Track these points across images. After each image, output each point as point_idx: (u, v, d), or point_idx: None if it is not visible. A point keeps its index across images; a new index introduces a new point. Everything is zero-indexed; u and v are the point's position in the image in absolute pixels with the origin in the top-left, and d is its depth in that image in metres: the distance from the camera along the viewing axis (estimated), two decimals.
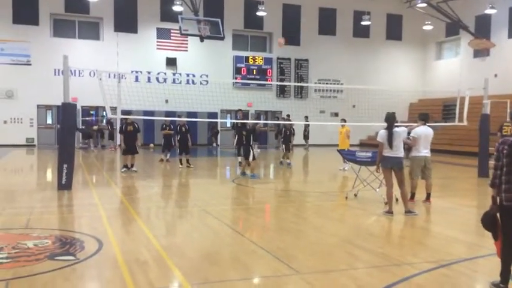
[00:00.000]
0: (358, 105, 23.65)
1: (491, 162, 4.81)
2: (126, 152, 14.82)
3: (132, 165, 14.88)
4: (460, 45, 31.23)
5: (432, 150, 9.86)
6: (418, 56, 34.02)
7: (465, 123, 14.82)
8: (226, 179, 13.39)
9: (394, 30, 33.13)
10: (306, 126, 27.20)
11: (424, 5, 27.86)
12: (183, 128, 16.30)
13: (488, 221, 4.77)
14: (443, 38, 32.64)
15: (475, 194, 12.34)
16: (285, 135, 17.78)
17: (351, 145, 16.73)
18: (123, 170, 14.68)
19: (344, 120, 16.34)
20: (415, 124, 10.04)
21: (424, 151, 9.55)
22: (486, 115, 14.76)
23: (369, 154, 10.31)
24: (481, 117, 14.91)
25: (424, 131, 9.56)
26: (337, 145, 16.40)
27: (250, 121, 15.46)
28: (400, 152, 8.55)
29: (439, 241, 6.93)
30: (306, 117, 25.37)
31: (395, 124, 8.70)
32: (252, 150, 13.62)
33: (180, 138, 16.27)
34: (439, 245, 6.69)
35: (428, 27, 30.89)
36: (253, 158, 13.66)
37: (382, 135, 8.58)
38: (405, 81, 32.55)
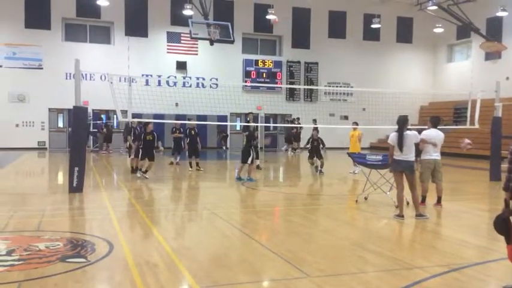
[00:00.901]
0: (368, 108, 23.52)
1: (504, 166, 4.76)
2: (144, 156, 14.18)
3: (146, 171, 14.69)
4: (471, 47, 31.02)
5: (443, 154, 9.79)
6: (429, 58, 33.86)
7: (477, 126, 14.71)
8: (236, 182, 13.39)
9: (404, 33, 33.01)
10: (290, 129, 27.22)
11: (435, 7, 27.75)
12: (193, 131, 16.33)
13: (500, 225, 4.72)
14: (454, 40, 32.45)
15: (486, 197, 12.22)
16: (312, 145, 16.21)
17: (362, 148, 16.66)
18: (139, 175, 14.12)
19: (356, 124, 16.21)
20: (426, 127, 9.98)
21: (434, 154, 9.49)
22: (498, 118, 14.63)
23: (379, 157, 10.26)
24: (493, 120, 14.77)
25: (433, 134, 9.50)
26: (347, 148, 16.33)
27: (251, 124, 15.30)
28: (411, 156, 8.49)
29: (450, 245, 6.87)
30: (314, 121, 25.33)
31: (408, 127, 8.65)
32: (252, 153, 13.50)
33: (189, 142, 16.31)
34: (450, 248, 6.63)
35: (439, 30, 30.74)
36: (252, 162, 13.55)
37: (392, 138, 8.54)
38: (416, 84, 32.40)
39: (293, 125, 26.31)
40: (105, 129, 25.70)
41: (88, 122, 22.69)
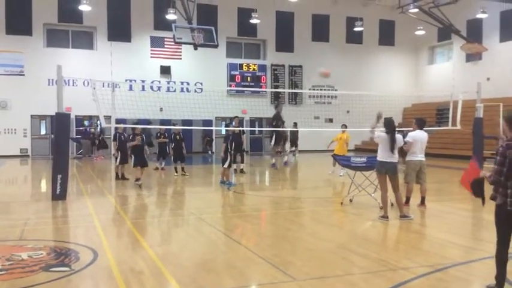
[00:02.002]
0: (352, 111, 23.72)
1: (488, 166, 4.78)
2: (136, 164, 13.61)
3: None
4: (452, 49, 31.46)
5: (426, 154, 9.90)
6: (411, 60, 34.24)
7: (459, 127, 14.91)
8: (222, 187, 13.36)
9: (386, 35, 33.33)
10: (295, 133, 27.26)
11: (416, 10, 28.06)
12: (178, 136, 16.29)
13: (477, 185, 4.82)
14: (435, 42, 32.88)
15: (469, 197, 12.29)
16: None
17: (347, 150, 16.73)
18: (139, 183, 13.37)
19: (345, 126, 16.24)
20: (411, 129, 10.09)
21: (419, 155, 9.59)
22: (479, 119, 14.85)
23: (364, 159, 10.34)
24: (475, 121, 15.00)
25: (419, 136, 9.60)
26: (332, 151, 16.40)
27: (236, 128, 15.28)
28: (395, 158, 8.59)
29: (435, 245, 6.95)
30: (295, 124, 25.47)
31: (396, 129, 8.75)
32: (230, 157, 13.39)
33: (174, 146, 16.25)
34: (434, 249, 6.70)
35: (420, 32, 31.13)
36: (229, 166, 13.46)
37: (382, 137, 8.57)
38: (398, 86, 32.69)
39: (280, 129, 26.33)
40: (101, 136, 25.56)
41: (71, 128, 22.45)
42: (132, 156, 13.71)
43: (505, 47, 27.35)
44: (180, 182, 15.01)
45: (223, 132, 27.86)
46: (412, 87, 33.52)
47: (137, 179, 13.48)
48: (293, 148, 27.09)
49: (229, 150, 13.45)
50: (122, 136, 15.14)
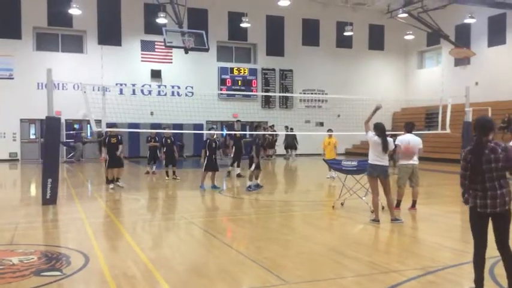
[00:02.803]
0: (343, 115, 23.80)
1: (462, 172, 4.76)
2: (111, 165, 14.03)
3: (117, 179, 14.49)
4: (441, 54, 31.76)
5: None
6: (400, 65, 34.52)
7: (448, 130, 15.04)
8: (213, 191, 13.35)
9: (376, 40, 33.58)
10: (287, 136, 27.34)
11: (405, 15, 28.35)
12: (169, 140, 16.28)
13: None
14: (424, 47, 33.18)
15: (459, 200, 12.41)
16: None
17: (337, 154, 16.80)
18: (111, 187, 13.80)
19: (331, 131, 16.34)
20: (401, 133, 10.18)
21: (412, 159, 9.66)
22: (468, 122, 14.99)
23: (355, 163, 10.39)
24: (464, 125, 15.15)
25: (410, 139, 9.67)
26: (322, 154, 16.46)
27: (238, 132, 15.33)
28: (386, 161, 8.66)
29: (426, 248, 7.01)
30: (287, 127, 25.56)
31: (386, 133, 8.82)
32: (213, 162, 13.39)
33: (166, 150, 16.22)
34: (425, 252, 6.76)
35: (409, 37, 31.40)
36: (207, 170, 13.44)
37: (374, 139, 8.62)
38: (388, 90, 32.92)
39: (268, 133, 26.42)
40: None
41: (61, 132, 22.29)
42: (108, 156, 13.98)
43: (493, 51, 27.69)
44: (171, 186, 14.97)
45: (224, 135, 27.97)
46: (402, 91, 33.80)
47: (116, 180, 13.90)
48: (289, 152, 27.22)
49: (212, 155, 13.35)
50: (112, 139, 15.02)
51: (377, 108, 8.81)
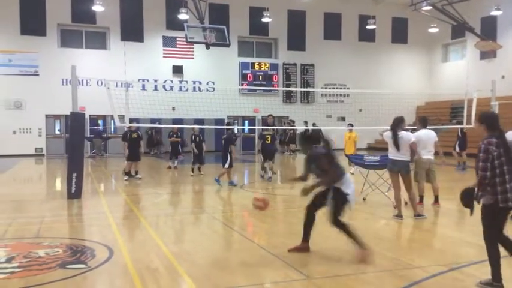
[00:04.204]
0: (365, 109, 23.58)
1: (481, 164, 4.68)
2: (130, 158, 14.76)
3: (136, 173, 14.99)
4: (466, 47, 31.14)
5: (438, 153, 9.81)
6: (424, 58, 33.97)
7: (473, 125, 14.76)
8: (235, 185, 13.38)
9: (399, 33, 33.12)
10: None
11: (429, 7, 27.83)
12: (198, 138, 15.93)
13: (466, 195, 4.79)
14: (449, 40, 32.58)
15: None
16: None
17: (358, 149, 16.66)
18: (126, 178, 14.58)
19: (351, 125, 16.18)
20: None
21: (428, 154, 9.51)
22: None
23: (377, 158, 10.29)
24: None
25: (426, 134, 9.52)
26: (343, 149, 16.32)
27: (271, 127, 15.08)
28: (406, 156, 8.52)
29: (449, 244, 6.90)
30: (306, 122, 25.41)
31: (404, 128, 8.69)
32: (230, 157, 13.26)
33: (195, 147, 15.83)
34: (449, 247, 6.66)
35: (433, 30, 30.84)
36: (230, 166, 13.32)
37: (388, 136, 8.57)
38: (412, 84, 32.47)
39: (289, 127, 26.38)
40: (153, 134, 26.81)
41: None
42: (128, 150, 14.75)
43: None
44: (193, 181, 15.07)
45: (246, 131, 28.13)
46: (426, 85, 33.27)
47: (135, 173, 14.74)
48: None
49: (228, 150, 13.33)
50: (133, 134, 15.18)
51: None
